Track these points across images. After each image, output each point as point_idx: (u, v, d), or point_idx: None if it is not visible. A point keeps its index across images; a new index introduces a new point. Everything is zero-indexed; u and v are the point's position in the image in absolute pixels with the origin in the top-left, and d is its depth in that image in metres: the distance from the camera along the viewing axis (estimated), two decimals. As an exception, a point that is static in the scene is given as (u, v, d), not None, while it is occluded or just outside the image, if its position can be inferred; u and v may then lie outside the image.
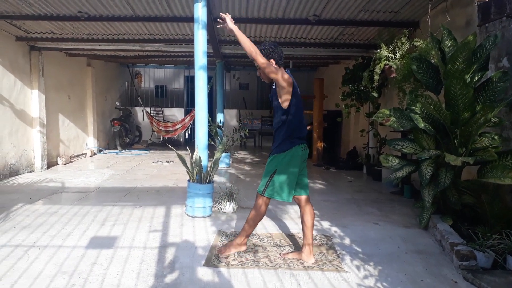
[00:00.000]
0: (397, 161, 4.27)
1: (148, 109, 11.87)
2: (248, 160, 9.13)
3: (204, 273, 2.97)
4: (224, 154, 7.82)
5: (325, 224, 4.18)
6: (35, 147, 7.15)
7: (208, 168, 4.47)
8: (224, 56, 8.33)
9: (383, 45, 5.31)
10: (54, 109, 7.88)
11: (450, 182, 3.63)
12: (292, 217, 4.42)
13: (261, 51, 3.10)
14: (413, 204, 4.68)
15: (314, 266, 3.12)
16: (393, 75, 5.39)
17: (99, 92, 10.23)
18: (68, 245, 3.46)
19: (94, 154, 9.69)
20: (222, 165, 7.84)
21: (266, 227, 4.06)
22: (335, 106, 7.66)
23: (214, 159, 4.48)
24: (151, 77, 13.58)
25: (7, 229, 3.84)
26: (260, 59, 3.01)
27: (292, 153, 3.17)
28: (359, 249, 3.50)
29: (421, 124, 3.83)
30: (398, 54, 5.33)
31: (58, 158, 8.07)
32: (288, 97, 3.18)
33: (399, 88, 5.05)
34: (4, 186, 5.81)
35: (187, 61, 10.54)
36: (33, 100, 7.06)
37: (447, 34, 3.85)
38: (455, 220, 3.78)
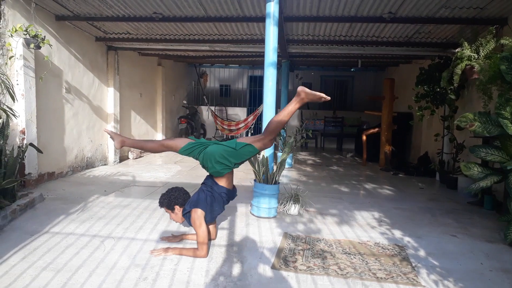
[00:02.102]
0: (480, 170, 3.93)
1: (212, 108, 12.12)
2: (309, 162, 8.98)
3: (273, 276, 2.91)
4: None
5: (397, 233, 3.95)
6: (109, 142, 7.55)
7: (274, 169, 4.42)
8: (290, 56, 8.24)
9: (465, 44, 4.93)
10: (127, 106, 8.29)
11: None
12: (360, 224, 4.24)
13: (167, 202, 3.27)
14: (497, 218, 4.29)
15: (388, 278, 2.94)
16: (475, 76, 4.99)
17: (168, 90, 10.61)
18: (140, 238, 3.58)
19: (162, 150, 10.04)
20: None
21: (333, 233, 3.93)
22: (408, 108, 7.27)
23: (280, 159, 4.42)
24: (216, 76, 13.86)
25: (85, 219, 4.05)
26: None
27: None
28: (437, 263, 3.26)
29: (511, 131, 3.49)
30: (482, 53, 4.93)
31: (129, 152, 8.47)
32: None
33: (482, 90, 4.66)
34: (82, 178, 6.19)
35: (252, 61, 10.60)
36: (109, 97, 7.46)
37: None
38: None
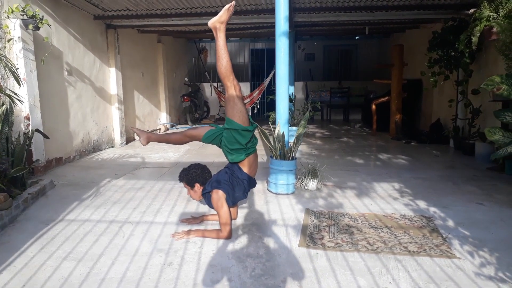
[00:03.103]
0: (505, 135, 3.77)
1: (215, 84, 11.89)
2: (318, 134, 8.83)
3: (301, 255, 2.81)
4: (294, 128, 7.59)
5: (421, 204, 3.84)
6: (115, 124, 7.40)
7: (291, 144, 4.27)
8: (296, 26, 7.96)
9: (484, 3, 4.68)
10: (129, 86, 8.08)
11: None
12: (381, 196, 4.13)
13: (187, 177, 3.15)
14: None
15: (421, 251, 2.84)
16: (494, 37, 4.77)
17: (169, 68, 10.36)
18: (159, 221, 3.47)
19: (167, 129, 9.90)
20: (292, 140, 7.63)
21: (355, 206, 3.82)
22: (420, 74, 7.04)
23: (296, 134, 4.27)
24: (216, 51, 13.54)
25: (100, 204, 3.94)
26: None
27: None
28: (468, 233, 3.15)
29: (541, 92, 3.31)
30: (502, 13, 4.69)
31: (135, 134, 8.31)
32: None
33: (503, 52, 4.45)
34: (90, 162, 6.06)
35: (254, 33, 10.29)
36: (111, 78, 7.25)
37: None
38: None
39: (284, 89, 4.30)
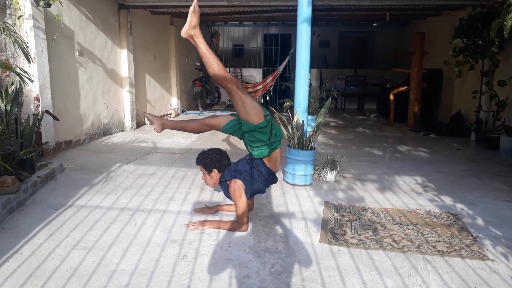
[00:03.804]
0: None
1: (227, 69, 11.64)
2: (332, 124, 8.60)
3: (323, 252, 2.65)
4: (309, 117, 7.39)
5: (447, 200, 3.65)
6: (125, 107, 7.24)
7: (310, 134, 4.08)
8: (313, 10, 7.66)
9: (519, -12, 4.38)
10: (141, 69, 7.90)
11: None
12: (404, 190, 3.94)
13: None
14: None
15: (451, 251, 2.66)
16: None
17: (181, 52, 10.14)
18: (172, 210, 3.33)
19: (178, 114, 9.73)
20: (308, 129, 7.44)
21: (377, 201, 3.63)
22: (444, 63, 6.75)
23: (316, 123, 4.07)
24: (228, 36, 13.28)
25: (110, 190, 3.81)
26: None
27: None
28: (499, 233, 2.96)
29: None
30: (538, -2, 4.39)
31: (147, 119, 8.15)
32: None
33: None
34: (101, 145, 5.93)
35: (269, 17, 10.01)
36: (123, 60, 7.07)
37: None
38: None
39: (304, 76, 4.09)
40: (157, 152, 5.55)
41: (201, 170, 3.03)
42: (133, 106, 7.39)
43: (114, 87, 6.88)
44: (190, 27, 2.62)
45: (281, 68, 8.84)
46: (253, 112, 2.72)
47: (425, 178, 4.31)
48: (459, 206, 3.50)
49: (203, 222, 3.00)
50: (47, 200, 3.53)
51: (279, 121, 4.04)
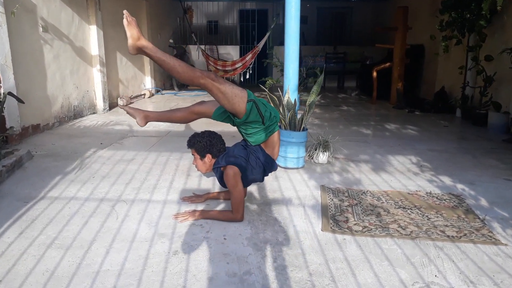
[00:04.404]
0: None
1: (202, 46, 11.18)
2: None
3: (327, 242, 2.44)
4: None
5: (446, 180, 3.51)
6: (97, 88, 6.77)
7: (300, 114, 3.84)
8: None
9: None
10: (112, 46, 7.39)
11: None
12: (400, 170, 3.78)
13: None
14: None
15: (461, 236, 2.50)
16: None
17: (154, 28, 9.61)
18: (157, 200, 3.04)
19: (152, 94, 9.29)
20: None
21: (375, 183, 3.45)
22: (430, 38, 6.59)
23: (309, 101, 3.83)
24: (202, 12, 12.75)
25: (86, 179, 3.47)
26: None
27: None
28: (506, 214, 2.84)
29: None
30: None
31: (119, 99, 7.70)
32: None
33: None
34: (72, 129, 5.50)
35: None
36: (92, 37, 6.56)
37: None
38: None
39: (294, 50, 3.82)
40: (133, 135, 5.19)
41: (192, 154, 2.74)
42: (105, 86, 6.92)
43: (84, 66, 6.39)
44: (134, 41, 2.28)
45: (261, 44, 8.50)
46: (237, 100, 2.43)
47: (420, 157, 4.17)
48: (460, 186, 3.36)
49: (193, 212, 2.73)
50: (15, 192, 3.17)
51: (269, 101, 3.77)
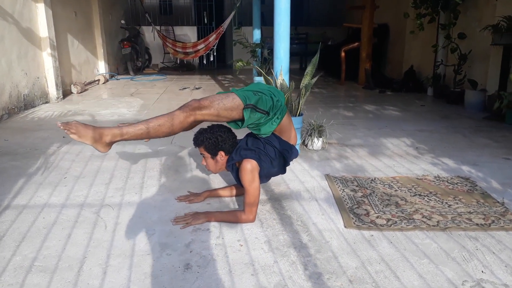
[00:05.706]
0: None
1: (158, 27, 10.48)
2: (281, 84, 8.12)
3: (356, 240, 2.19)
4: (259, 78, 6.83)
5: (449, 162, 3.39)
6: (48, 74, 6.05)
7: (297, 97, 3.55)
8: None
9: None
10: (62, 28, 6.63)
11: None
12: (398, 154, 3.62)
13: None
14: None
15: (490, 224, 2.35)
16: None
17: (104, 8, 8.82)
18: (148, 202, 2.63)
19: (107, 80, 8.57)
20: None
21: (379, 168, 3.26)
22: (404, 16, 6.49)
23: (304, 83, 3.54)
24: (155, -9, 11.95)
25: (57, 181, 2.97)
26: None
27: None
28: (521, 196, 2.74)
29: None
30: None
31: (72, 86, 6.98)
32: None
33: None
34: (25, 122, 4.84)
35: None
36: (40, 16, 5.79)
37: None
38: None
39: (285, 28, 3.52)
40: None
41: (201, 153, 2.36)
42: (57, 72, 6.21)
43: (33, 49, 5.65)
44: (99, 141, 2.02)
45: (225, 24, 8.05)
46: (233, 113, 2.17)
47: (412, 139, 4.04)
48: (464, 168, 3.25)
49: (196, 215, 2.37)
50: (-30, 202, 2.63)
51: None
